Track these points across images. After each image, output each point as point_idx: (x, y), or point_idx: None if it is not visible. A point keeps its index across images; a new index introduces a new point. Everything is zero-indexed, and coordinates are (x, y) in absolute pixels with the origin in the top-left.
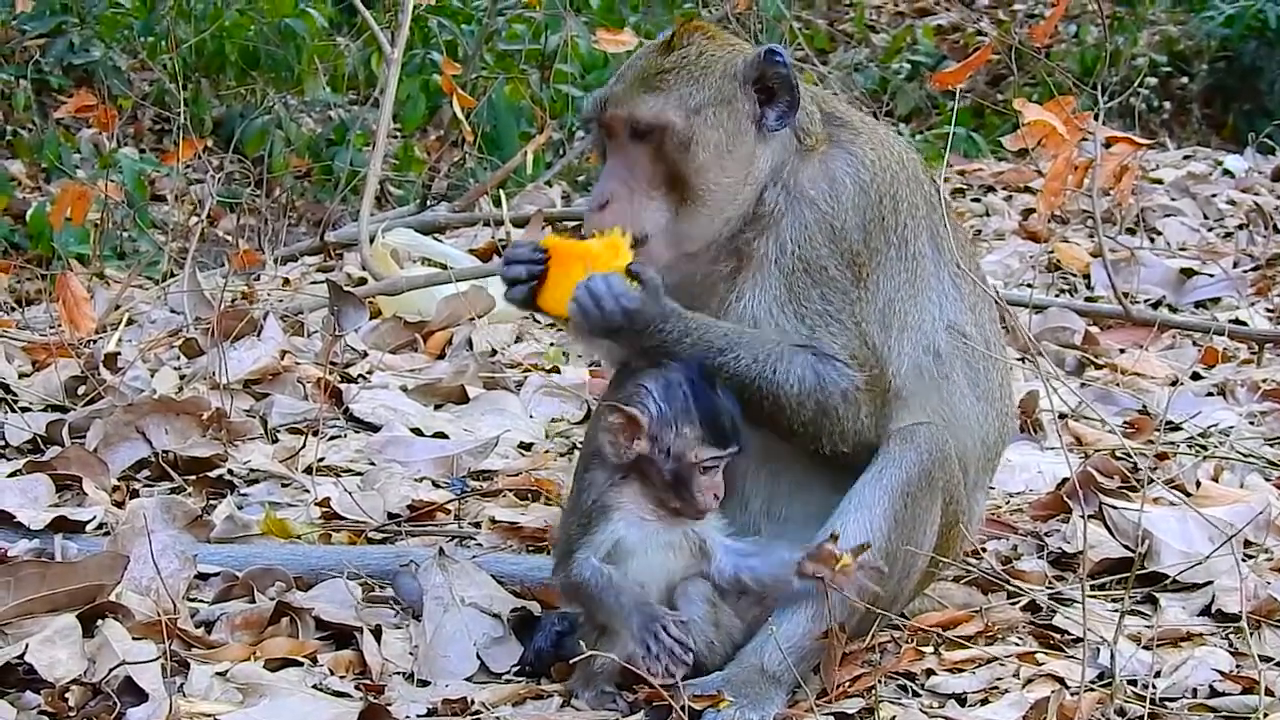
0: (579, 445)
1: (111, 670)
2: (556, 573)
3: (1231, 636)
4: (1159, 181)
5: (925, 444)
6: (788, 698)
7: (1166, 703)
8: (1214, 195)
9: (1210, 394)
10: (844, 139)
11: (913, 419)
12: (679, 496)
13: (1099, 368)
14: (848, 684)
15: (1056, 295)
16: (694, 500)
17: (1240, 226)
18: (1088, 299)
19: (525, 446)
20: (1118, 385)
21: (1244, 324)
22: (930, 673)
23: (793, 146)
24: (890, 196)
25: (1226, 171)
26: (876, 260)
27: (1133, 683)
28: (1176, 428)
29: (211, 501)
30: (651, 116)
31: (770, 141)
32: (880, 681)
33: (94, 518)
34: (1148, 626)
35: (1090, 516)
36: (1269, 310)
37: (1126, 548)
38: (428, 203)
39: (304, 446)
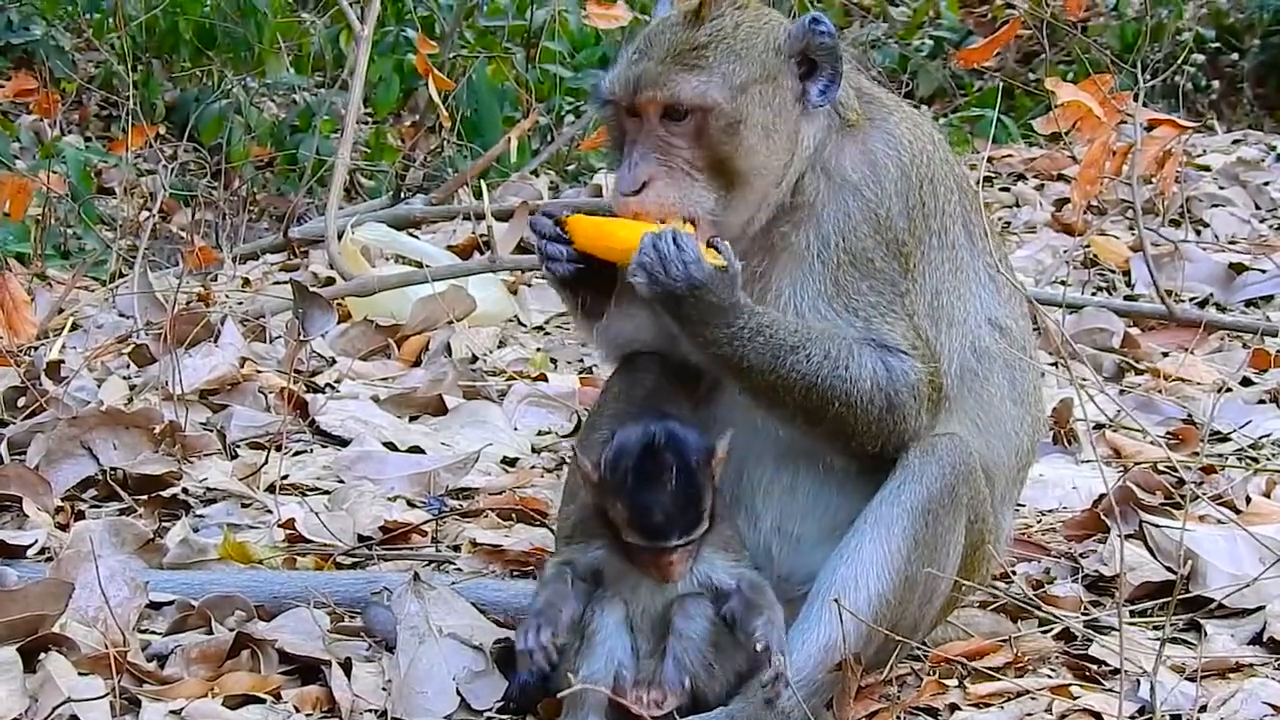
0: (567, 460)
1: (55, 709)
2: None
3: None
4: (1206, 168)
5: (948, 456)
6: None
7: None
8: (1266, 183)
9: (1261, 401)
10: (878, 117)
11: (956, 423)
12: (631, 563)
13: (1140, 373)
14: None
15: (1093, 294)
16: (642, 573)
17: None
18: (1127, 298)
19: (509, 462)
20: (1160, 392)
21: None
22: (955, 707)
23: (833, 123)
24: (929, 180)
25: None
26: (921, 250)
27: (1176, 718)
28: (1224, 438)
29: (164, 523)
30: (695, 97)
31: (813, 118)
32: (899, 717)
33: (35, 541)
34: (1192, 656)
35: (1129, 536)
36: None
37: (1169, 570)
38: (402, 195)
39: (266, 463)
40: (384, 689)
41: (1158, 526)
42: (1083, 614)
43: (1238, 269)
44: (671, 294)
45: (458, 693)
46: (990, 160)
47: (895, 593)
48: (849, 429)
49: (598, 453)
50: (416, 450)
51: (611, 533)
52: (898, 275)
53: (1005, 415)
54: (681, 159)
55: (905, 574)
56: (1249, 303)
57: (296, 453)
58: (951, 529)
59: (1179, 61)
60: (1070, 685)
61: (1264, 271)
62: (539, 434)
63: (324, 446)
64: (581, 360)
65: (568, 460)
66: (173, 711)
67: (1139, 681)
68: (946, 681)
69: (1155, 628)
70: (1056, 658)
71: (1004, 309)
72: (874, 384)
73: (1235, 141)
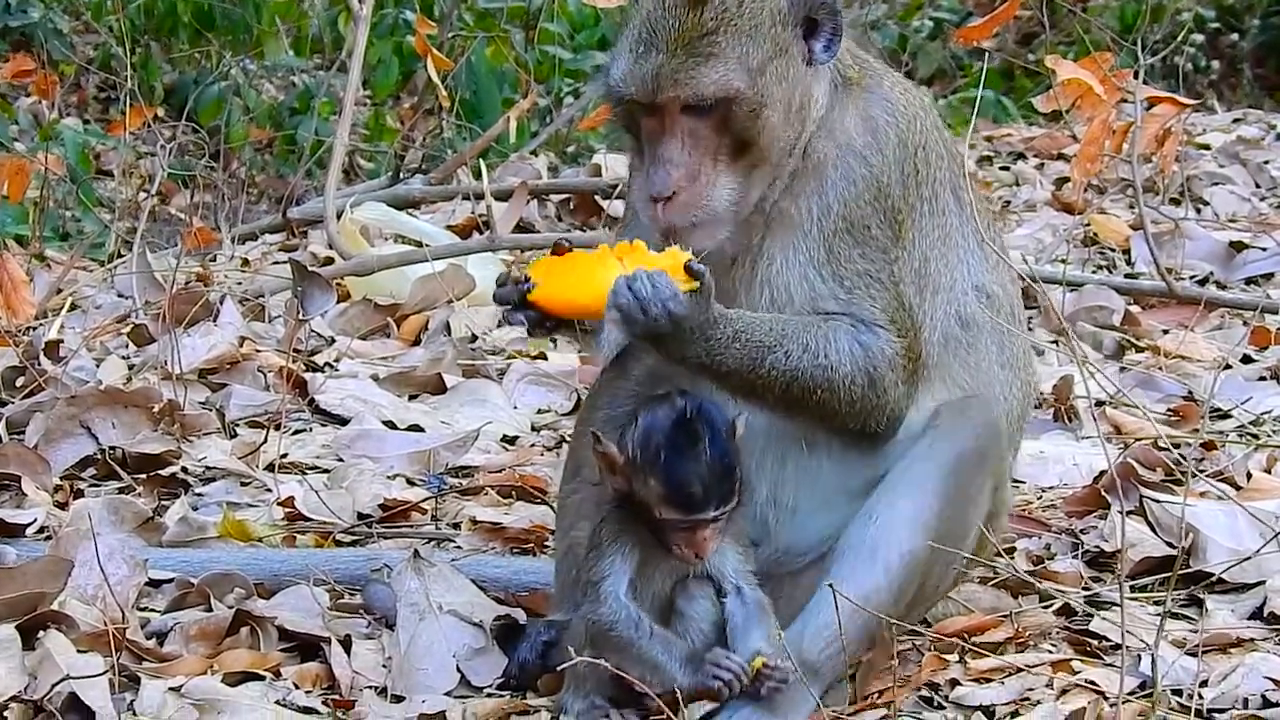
0: (567, 439)
1: (55, 686)
2: (571, 601)
3: None
4: (1206, 147)
5: (979, 416)
6: (822, 692)
7: (1214, 714)
8: (1266, 162)
9: (1262, 378)
10: (873, 81)
11: (942, 390)
12: (662, 542)
13: (1140, 350)
14: (876, 695)
15: (1093, 272)
16: (674, 551)
17: None
18: (1128, 276)
19: (509, 440)
20: (1160, 369)
21: None
22: (955, 683)
23: (835, 81)
24: (922, 147)
25: None
26: (913, 217)
27: (1177, 692)
28: (1225, 415)
29: (164, 502)
30: (717, 90)
31: (820, 77)
32: (900, 695)
33: (34, 520)
34: (1193, 631)
35: (1130, 512)
36: None
37: (1169, 546)
38: (401, 175)
39: (265, 441)
40: (384, 666)
41: (1158, 502)
42: (1083, 589)
43: (1238, 247)
44: (651, 333)
45: (458, 669)
46: (990, 139)
47: (925, 550)
48: (832, 411)
49: (616, 434)
50: (416, 429)
51: (640, 514)
52: (890, 243)
53: (994, 380)
54: (707, 150)
55: (936, 532)
56: (1249, 280)
57: (296, 431)
58: (981, 490)
59: (1179, 41)
60: (1071, 660)
61: (1264, 249)
62: (538, 412)
63: (323, 425)
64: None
65: (567, 439)
66: (172, 689)
67: (1140, 656)
68: (947, 657)
69: (1156, 603)
70: (1057, 633)
71: (991, 275)
72: (853, 365)
73: (1235, 120)
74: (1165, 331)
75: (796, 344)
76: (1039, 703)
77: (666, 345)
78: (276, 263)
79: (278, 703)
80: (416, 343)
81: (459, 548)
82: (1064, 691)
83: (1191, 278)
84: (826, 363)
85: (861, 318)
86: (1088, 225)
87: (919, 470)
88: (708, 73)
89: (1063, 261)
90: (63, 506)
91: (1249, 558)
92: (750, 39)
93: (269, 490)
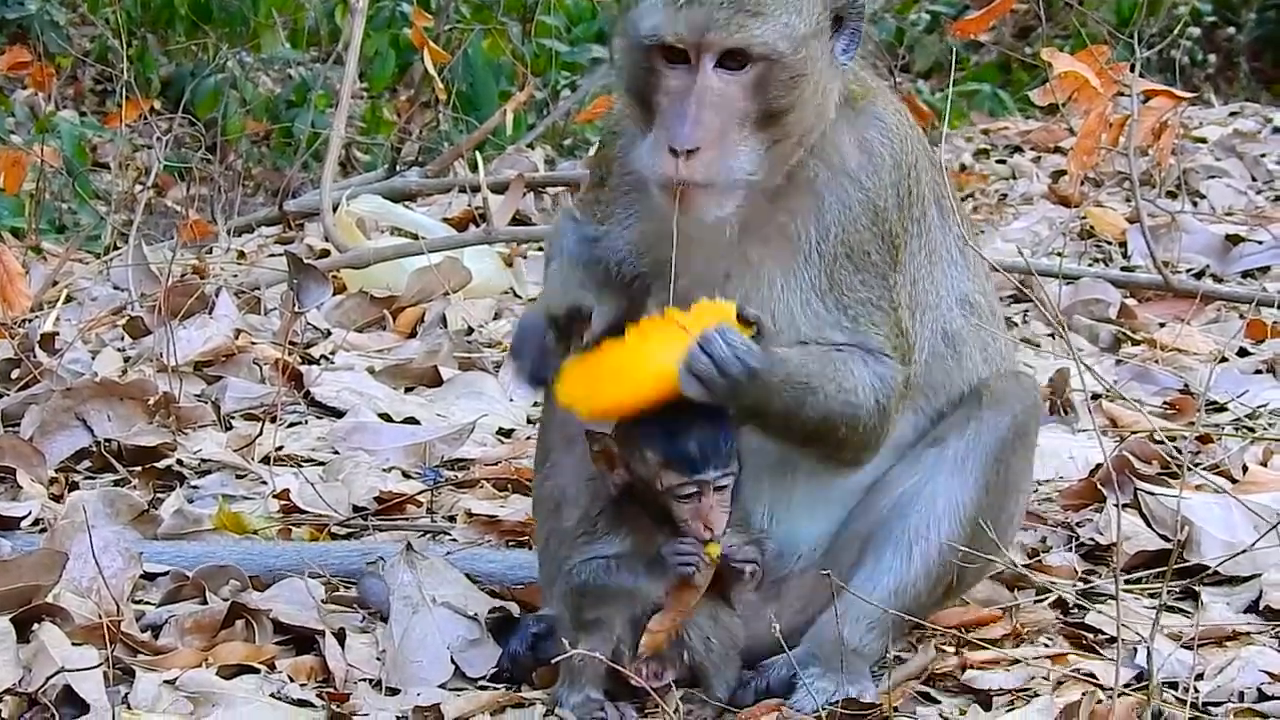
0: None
1: (49, 679)
2: (552, 583)
3: None
4: (1202, 140)
5: (1019, 401)
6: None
7: (1210, 707)
8: (1263, 155)
9: (1258, 371)
10: (866, 103)
11: (923, 399)
12: (672, 527)
13: (1136, 343)
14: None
15: (1090, 265)
16: (685, 529)
17: None
18: (1124, 268)
19: (504, 433)
20: (1157, 362)
21: None
22: (953, 675)
23: (843, 94)
24: (914, 166)
25: (1276, 129)
26: (906, 239)
27: (1172, 685)
28: (1221, 408)
29: (159, 494)
30: (763, 47)
31: (836, 79)
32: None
33: (29, 513)
34: (1189, 624)
35: (1125, 505)
36: None
37: (1165, 538)
38: (397, 168)
39: (261, 434)
40: (378, 658)
41: (1153, 494)
42: (1080, 582)
43: (1234, 240)
44: (733, 393)
45: (452, 661)
46: (987, 133)
47: (965, 540)
48: (843, 442)
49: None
50: (412, 421)
51: (643, 502)
52: (888, 268)
53: (976, 378)
54: (734, 114)
55: (975, 521)
56: (1245, 273)
57: (291, 424)
58: (1021, 473)
59: (1175, 34)
60: (1067, 653)
61: (1260, 243)
62: (534, 405)
63: (319, 418)
64: None
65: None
66: (166, 681)
67: (1135, 649)
68: (944, 649)
69: (1151, 596)
70: (1053, 626)
71: (973, 282)
72: (873, 398)
73: (1231, 114)
74: (1161, 324)
75: (831, 383)
76: (1035, 695)
77: (736, 400)
78: (272, 255)
79: (272, 695)
80: (412, 335)
81: (454, 540)
82: (1060, 684)
83: (1188, 271)
84: (855, 400)
85: (870, 348)
86: (1084, 218)
87: (960, 458)
88: (757, 26)
89: (1059, 254)
90: (58, 499)
91: (1244, 551)
92: (798, 10)
93: (264, 483)
